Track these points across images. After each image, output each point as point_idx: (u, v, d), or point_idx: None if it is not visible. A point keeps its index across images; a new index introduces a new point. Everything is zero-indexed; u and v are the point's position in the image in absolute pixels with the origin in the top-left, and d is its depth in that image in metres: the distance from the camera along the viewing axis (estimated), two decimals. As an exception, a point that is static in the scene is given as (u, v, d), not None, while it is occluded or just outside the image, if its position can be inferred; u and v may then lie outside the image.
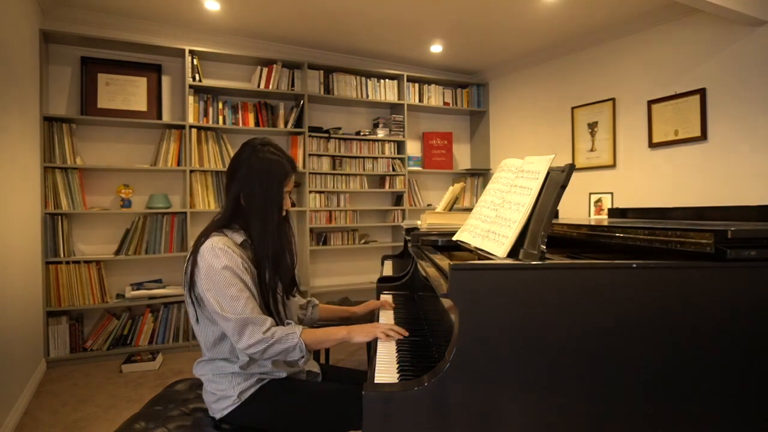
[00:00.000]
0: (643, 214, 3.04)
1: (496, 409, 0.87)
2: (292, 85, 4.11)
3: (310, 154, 4.11)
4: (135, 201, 3.63)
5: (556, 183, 1.00)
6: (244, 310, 1.23)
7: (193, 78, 3.67)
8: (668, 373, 0.90)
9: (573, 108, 4.17)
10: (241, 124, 3.92)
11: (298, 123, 4.11)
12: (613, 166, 3.86)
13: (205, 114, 3.77)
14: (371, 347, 1.35)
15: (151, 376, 3.07)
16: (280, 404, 1.32)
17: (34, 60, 3.03)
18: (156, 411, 1.40)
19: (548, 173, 1.05)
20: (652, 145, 3.57)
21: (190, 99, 3.66)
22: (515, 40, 4.13)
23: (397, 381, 1.04)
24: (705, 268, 0.91)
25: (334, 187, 4.26)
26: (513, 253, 1.03)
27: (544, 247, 0.94)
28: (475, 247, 1.19)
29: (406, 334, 1.34)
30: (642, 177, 3.66)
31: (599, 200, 3.97)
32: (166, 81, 3.77)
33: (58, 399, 2.69)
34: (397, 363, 1.15)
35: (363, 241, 4.49)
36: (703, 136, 3.27)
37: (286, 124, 4.08)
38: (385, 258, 3.38)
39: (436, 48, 4.29)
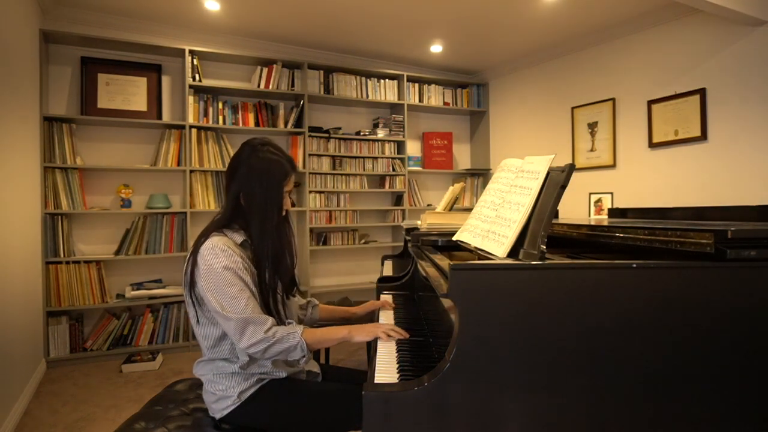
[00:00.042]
0: (643, 214, 3.04)
1: (496, 409, 0.88)
2: (292, 85, 4.11)
3: (310, 154, 4.11)
4: (135, 201, 3.63)
5: (556, 183, 1.00)
6: (245, 309, 1.23)
7: (193, 78, 3.67)
8: (668, 373, 0.90)
9: (573, 108, 4.17)
10: (241, 124, 3.92)
11: (298, 123, 4.11)
12: (613, 166, 3.86)
13: (205, 114, 3.77)
14: (371, 347, 1.35)
15: (151, 376, 3.07)
16: (280, 404, 1.32)
17: (34, 60, 3.03)
18: (156, 411, 1.40)
19: (548, 173, 1.05)
20: (652, 145, 3.58)
21: (190, 99, 3.66)
22: (515, 40, 4.13)
23: (397, 381, 1.04)
24: (705, 268, 0.91)
25: (334, 187, 4.26)
26: (513, 253, 1.03)
27: (544, 247, 0.94)
28: (475, 247, 1.19)
29: (407, 336, 1.34)
30: (642, 177, 3.66)
31: (599, 200, 3.97)
32: (166, 81, 3.77)
33: (58, 399, 2.69)
34: (397, 363, 1.15)
35: (363, 241, 4.49)
36: (703, 136, 3.27)
37: (286, 124, 4.08)
38: (385, 258, 3.38)
39: (436, 48, 4.29)
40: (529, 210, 1.04)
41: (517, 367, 0.88)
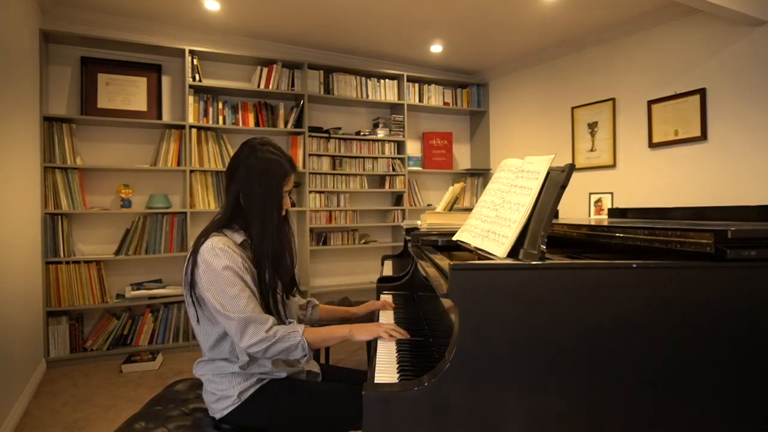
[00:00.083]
0: (643, 214, 3.04)
1: (496, 409, 0.87)
2: (292, 85, 4.11)
3: (310, 154, 4.11)
4: (135, 201, 3.63)
5: (556, 183, 1.00)
6: (246, 309, 1.23)
7: (193, 78, 3.67)
8: (668, 373, 0.90)
9: (573, 108, 4.17)
10: (241, 124, 3.92)
11: (298, 123, 4.11)
12: (613, 166, 3.86)
13: (205, 114, 3.77)
14: (371, 347, 1.35)
15: (151, 376, 3.07)
16: (280, 404, 1.32)
17: (34, 60, 3.03)
18: (156, 411, 1.40)
19: (548, 173, 1.05)
20: (652, 145, 3.58)
21: (190, 99, 3.66)
22: (515, 40, 4.13)
23: (397, 381, 1.04)
24: (705, 268, 0.91)
25: (334, 187, 4.26)
26: (513, 253, 1.03)
27: (544, 247, 0.94)
28: (475, 247, 1.19)
29: (408, 336, 1.34)
30: (642, 177, 3.66)
31: (599, 200, 3.97)
32: (166, 81, 3.77)
33: (58, 399, 2.69)
34: (397, 363, 1.15)
35: (363, 241, 4.49)
36: (703, 136, 3.27)
37: (286, 124, 4.08)
38: (385, 258, 3.38)
39: (436, 48, 4.29)
40: (529, 210, 1.04)
41: (517, 367, 0.88)
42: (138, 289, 3.51)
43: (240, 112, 3.95)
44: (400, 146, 4.57)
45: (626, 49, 3.77)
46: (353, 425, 1.28)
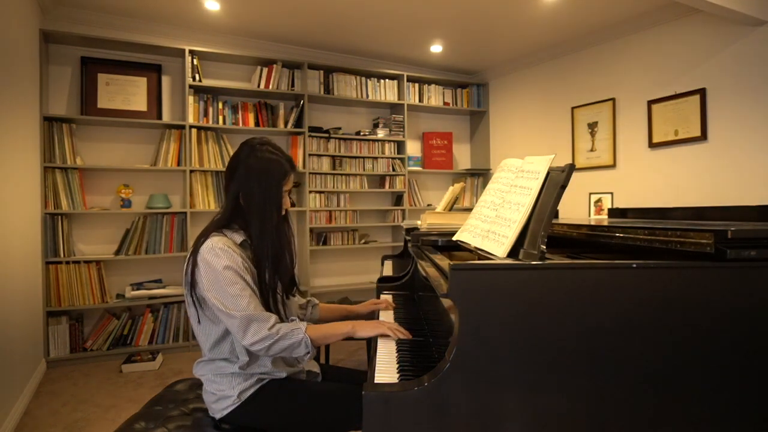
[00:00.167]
0: (643, 214, 3.04)
1: (496, 409, 0.87)
2: (292, 85, 4.11)
3: (310, 154, 4.12)
4: (135, 201, 3.63)
5: (556, 183, 1.00)
6: (248, 307, 1.23)
7: (193, 78, 3.67)
8: (668, 373, 0.90)
9: (573, 108, 4.17)
10: (241, 124, 3.92)
11: (298, 123, 4.11)
12: (613, 166, 3.86)
13: (205, 114, 3.77)
14: (371, 347, 1.35)
15: (151, 376, 3.07)
16: (280, 404, 1.32)
17: (34, 60, 3.03)
18: (156, 411, 1.40)
19: (548, 173, 1.05)
20: (652, 145, 3.58)
21: (190, 99, 3.66)
22: (515, 40, 4.13)
23: (397, 381, 1.04)
24: (705, 268, 0.91)
25: (334, 187, 4.26)
26: (513, 253, 1.03)
27: (544, 247, 0.94)
28: (475, 247, 1.19)
29: (410, 336, 1.34)
30: (642, 177, 3.66)
31: (599, 200, 3.97)
32: (166, 81, 3.77)
33: (58, 399, 2.69)
34: (397, 363, 1.15)
35: (363, 241, 4.49)
36: (703, 136, 3.27)
37: (286, 124, 4.08)
38: (385, 258, 3.38)
39: (436, 48, 4.29)
40: (529, 210, 1.04)
41: (517, 367, 0.88)
42: (138, 289, 3.51)
43: (240, 112, 3.95)
44: (400, 146, 4.57)
45: (626, 49, 3.77)
46: (353, 425, 1.28)
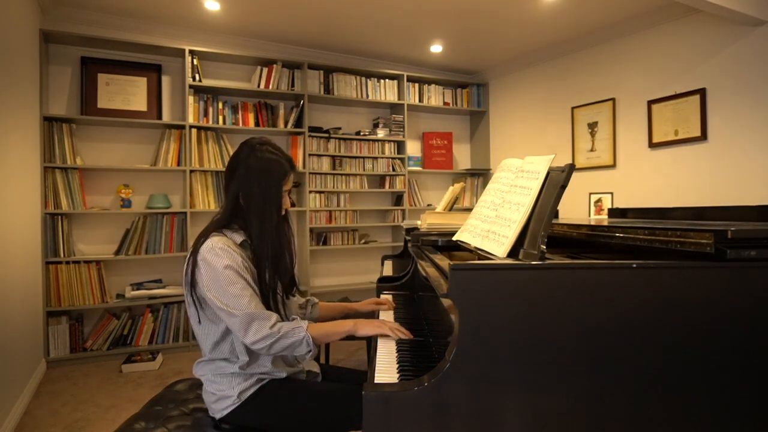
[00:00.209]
0: (643, 214, 3.04)
1: (496, 409, 0.87)
2: (292, 85, 4.11)
3: (310, 154, 4.12)
4: (135, 201, 3.63)
5: (556, 183, 1.00)
6: (249, 306, 1.23)
7: (193, 78, 3.67)
8: (668, 373, 0.90)
9: (573, 108, 4.17)
10: (241, 124, 3.92)
11: (298, 123, 4.11)
12: (613, 166, 3.86)
13: (205, 114, 3.77)
14: (371, 347, 1.35)
15: (151, 376, 3.07)
16: (280, 404, 1.32)
17: (34, 60, 3.03)
18: (156, 411, 1.40)
19: (548, 173, 1.05)
20: (652, 145, 3.57)
21: (190, 99, 3.66)
22: (515, 40, 4.13)
23: (397, 381, 1.04)
24: (705, 268, 0.91)
25: (334, 187, 4.26)
26: (513, 253, 1.03)
27: (544, 247, 0.94)
28: (475, 247, 1.19)
29: (412, 337, 1.34)
30: (642, 177, 3.66)
31: (599, 200, 3.97)
32: (166, 81, 3.77)
33: (58, 399, 2.69)
34: (397, 363, 1.15)
35: (363, 241, 4.49)
36: (703, 136, 3.27)
37: (286, 124, 4.08)
38: (385, 258, 3.38)
39: (436, 48, 4.29)
40: (529, 210, 1.04)
41: (517, 367, 0.88)
42: (138, 289, 3.51)
43: (240, 112, 3.95)
44: (400, 146, 4.57)
45: (626, 49, 3.77)
46: (353, 425, 1.28)
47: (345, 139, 4.32)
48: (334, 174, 4.26)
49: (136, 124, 3.60)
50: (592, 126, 4.02)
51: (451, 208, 2.51)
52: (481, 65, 4.84)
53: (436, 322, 1.37)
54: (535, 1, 3.35)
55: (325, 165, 4.21)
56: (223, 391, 1.30)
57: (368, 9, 3.45)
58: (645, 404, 0.89)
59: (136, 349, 3.44)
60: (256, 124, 4.00)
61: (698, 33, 3.31)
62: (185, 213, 3.62)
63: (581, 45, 4.07)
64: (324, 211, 4.23)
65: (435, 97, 4.79)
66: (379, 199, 4.71)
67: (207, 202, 3.73)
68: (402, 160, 4.54)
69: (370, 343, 1.38)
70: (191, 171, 3.65)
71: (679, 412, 0.90)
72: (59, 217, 3.25)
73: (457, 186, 2.53)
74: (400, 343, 1.30)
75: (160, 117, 3.66)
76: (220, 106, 3.84)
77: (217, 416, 1.32)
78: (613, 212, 3.39)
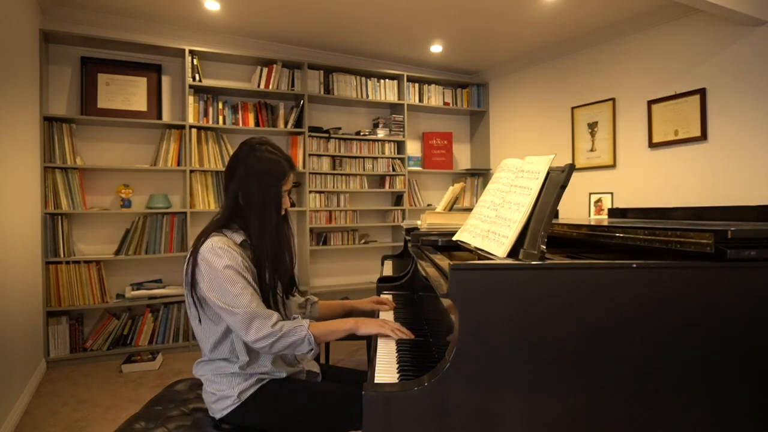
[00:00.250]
0: (643, 214, 3.04)
1: (496, 409, 0.87)
2: (292, 85, 4.11)
3: (310, 154, 4.12)
4: (135, 201, 3.63)
5: (556, 183, 1.00)
6: (250, 304, 1.24)
7: (193, 78, 3.67)
8: (668, 373, 0.90)
9: (573, 108, 4.17)
10: (241, 124, 3.92)
11: (298, 123, 4.11)
12: (613, 166, 3.86)
13: (205, 114, 3.77)
14: (371, 347, 1.35)
15: (151, 376, 3.07)
16: (280, 404, 1.32)
17: (34, 60, 3.03)
18: (156, 411, 1.40)
19: (548, 173, 1.05)
20: (652, 145, 3.57)
21: (190, 99, 3.66)
22: (515, 40, 4.13)
23: (397, 381, 1.04)
24: (705, 268, 0.91)
25: (334, 187, 4.26)
26: (513, 253, 1.03)
27: (544, 247, 0.94)
28: (475, 247, 1.19)
29: (413, 336, 1.34)
30: (642, 177, 3.66)
31: (599, 200, 3.97)
32: (166, 81, 3.77)
33: (58, 399, 2.69)
34: (397, 363, 1.15)
35: (363, 241, 4.49)
36: (703, 136, 3.27)
37: (286, 124, 4.08)
38: (385, 258, 3.38)
39: (436, 48, 4.29)
40: (529, 210, 1.04)
41: (517, 367, 0.88)
42: (138, 289, 3.51)
43: (240, 112, 3.95)
44: (400, 146, 4.57)
45: (626, 49, 3.77)
46: (353, 425, 1.28)
47: (345, 139, 4.32)
48: (334, 174, 4.26)
49: (136, 124, 3.60)
50: (592, 126, 4.02)
51: (451, 208, 2.51)
52: (481, 65, 4.84)
53: (436, 322, 1.37)
54: (535, 1, 3.35)
55: (325, 165, 4.21)
56: (223, 391, 1.30)
57: (368, 9, 3.45)
58: (645, 404, 0.89)
59: (136, 349, 3.44)
60: (256, 124, 4.00)
61: (698, 33, 3.31)
62: (185, 213, 3.62)
63: (581, 45, 4.07)
64: (324, 211, 4.23)
65: (435, 97, 4.79)
66: (379, 199, 4.71)
67: (207, 202, 3.73)
68: (402, 160, 4.54)
69: (370, 343, 1.38)
70: (191, 171, 3.65)
71: (679, 412, 0.90)
72: (59, 217, 3.25)
73: (457, 186, 2.53)
74: (400, 343, 1.30)
75: (160, 117, 3.66)
76: (220, 106, 3.84)
77: (217, 416, 1.32)
78: (613, 212, 3.39)
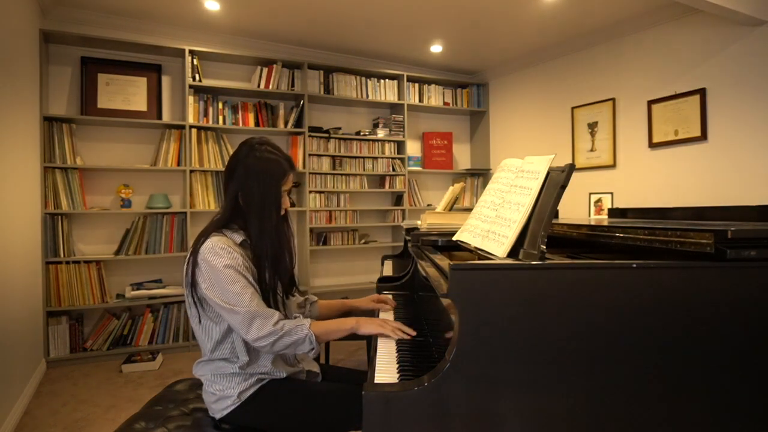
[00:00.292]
0: (643, 214, 3.04)
1: (496, 409, 0.87)
2: (292, 85, 4.11)
3: (310, 154, 4.11)
4: (135, 201, 3.63)
5: (556, 183, 1.00)
6: (251, 303, 1.24)
7: (193, 78, 3.67)
8: (668, 374, 0.90)
9: (573, 108, 4.17)
10: (241, 124, 3.92)
11: (298, 123, 4.11)
12: (613, 166, 3.86)
13: (205, 114, 3.77)
14: (371, 347, 1.35)
15: (151, 376, 3.07)
16: (280, 404, 1.32)
17: (34, 60, 3.03)
18: (156, 411, 1.40)
19: (548, 173, 1.05)
20: (652, 145, 3.57)
21: (190, 99, 3.66)
22: (515, 40, 4.13)
23: (397, 381, 1.04)
24: (705, 268, 0.91)
25: (334, 187, 4.26)
26: (513, 253, 1.03)
27: (544, 247, 0.94)
28: (475, 247, 1.19)
29: (414, 333, 1.34)
30: (642, 177, 3.66)
31: (599, 200, 3.97)
32: (166, 81, 3.77)
33: (58, 399, 2.69)
34: (397, 363, 1.15)
35: (363, 241, 4.49)
36: (703, 136, 3.27)
37: (286, 124, 4.08)
38: (385, 258, 3.38)
39: (436, 48, 4.29)
40: (529, 210, 1.04)
41: (517, 367, 0.88)
42: (138, 289, 3.51)
43: (240, 112, 3.95)
44: (400, 146, 4.57)
45: (626, 49, 3.77)
46: (353, 425, 1.28)
47: (345, 139, 4.32)
48: (334, 174, 4.26)
49: (136, 124, 3.60)
50: (592, 126, 4.02)
51: (451, 208, 2.51)
52: (481, 65, 4.84)
53: (436, 322, 1.37)
54: (535, 1, 3.35)
55: (325, 165, 4.21)
56: (223, 391, 1.30)
57: (368, 9, 3.45)
58: (645, 404, 0.89)
59: (136, 349, 3.44)
60: (256, 124, 4.00)
61: (698, 33, 3.31)
62: (185, 213, 3.62)
63: (581, 45, 4.07)
64: (324, 211, 4.23)
65: (435, 97, 4.79)
66: (379, 199, 4.71)
67: (207, 202, 3.73)
68: (402, 160, 4.54)
69: (370, 342, 1.38)
70: (191, 171, 3.65)
71: (679, 412, 0.90)
72: (59, 217, 3.25)
73: (457, 186, 2.53)
74: (400, 343, 1.30)
75: (160, 117, 3.66)
76: (220, 106, 3.84)
77: (217, 416, 1.32)
78: (613, 212, 3.39)
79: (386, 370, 1.11)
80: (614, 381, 0.89)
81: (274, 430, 1.32)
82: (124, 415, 2.45)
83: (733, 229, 0.88)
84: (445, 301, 1.17)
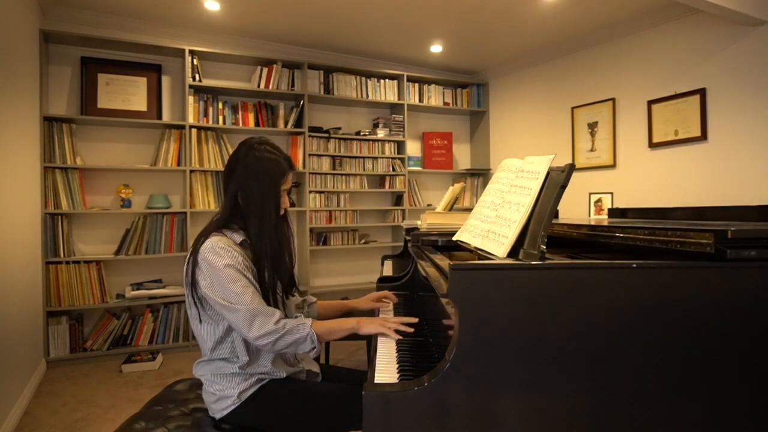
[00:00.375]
0: (643, 214, 3.04)
1: (496, 409, 0.87)
2: (292, 85, 4.11)
3: (310, 154, 4.11)
4: (135, 201, 3.63)
5: (556, 183, 1.00)
6: (252, 302, 1.24)
7: (193, 78, 3.67)
8: (668, 374, 0.90)
9: (573, 108, 4.17)
10: (241, 124, 3.92)
11: (298, 123, 4.11)
12: (613, 166, 3.86)
13: (205, 114, 3.77)
14: (371, 347, 1.35)
15: (151, 376, 3.07)
16: (280, 404, 1.32)
17: (34, 60, 3.03)
18: (156, 411, 1.40)
19: (548, 173, 1.05)
20: (652, 145, 3.57)
21: (190, 99, 3.66)
22: (515, 40, 4.13)
23: (397, 381, 1.04)
24: (705, 268, 0.91)
25: (334, 187, 4.26)
26: (513, 253, 1.03)
27: (544, 247, 0.94)
28: (475, 247, 1.19)
29: (416, 320, 1.35)
30: (642, 177, 3.66)
31: (599, 200, 3.97)
32: (166, 81, 3.77)
33: (58, 399, 2.69)
34: (397, 363, 1.15)
35: (363, 241, 4.49)
36: (703, 136, 3.27)
37: (286, 124, 4.08)
38: (385, 258, 3.38)
39: (436, 48, 4.29)
40: (529, 210, 1.04)
41: (517, 367, 0.88)
42: (138, 289, 3.51)
43: (240, 112, 3.95)
44: (400, 146, 4.57)
45: (626, 49, 3.77)
46: (353, 425, 1.28)
47: (345, 139, 4.32)
48: (334, 174, 4.26)
49: (136, 124, 3.60)
50: (592, 126, 4.02)
51: (451, 208, 2.51)
52: (481, 65, 4.84)
53: (436, 322, 1.37)
54: (535, 1, 3.35)
55: (325, 165, 4.21)
56: (223, 391, 1.30)
57: (368, 9, 3.45)
58: (645, 404, 0.89)
59: (136, 349, 3.44)
60: (256, 124, 4.00)
61: (698, 33, 3.31)
62: (185, 213, 3.62)
63: (581, 45, 4.07)
64: (324, 211, 4.23)
65: (435, 97, 4.79)
66: (379, 199, 4.71)
67: (207, 202, 3.73)
68: (402, 160, 4.54)
69: (370, 342, 1.38)
70: (191, 171, 3.65)
71: (679, 412, 0.90)
72: (59, 217, 3.25)
73: (457, 186, 2.53)
74: (400, 343, 1.30)
75: (160, 117, 3.66)
76: (220, 106, 3.84)
77: (217, 416, 1.32)
78: (613, 212, 3.39)
79: (386, 370, 1.11)
80: (614, 381, 0.89)
81: (274, 430, 1.32)
82: (124, 415, 2.45)
83: (733, 229, 0.88)
84: (445, 301, 1.17)
